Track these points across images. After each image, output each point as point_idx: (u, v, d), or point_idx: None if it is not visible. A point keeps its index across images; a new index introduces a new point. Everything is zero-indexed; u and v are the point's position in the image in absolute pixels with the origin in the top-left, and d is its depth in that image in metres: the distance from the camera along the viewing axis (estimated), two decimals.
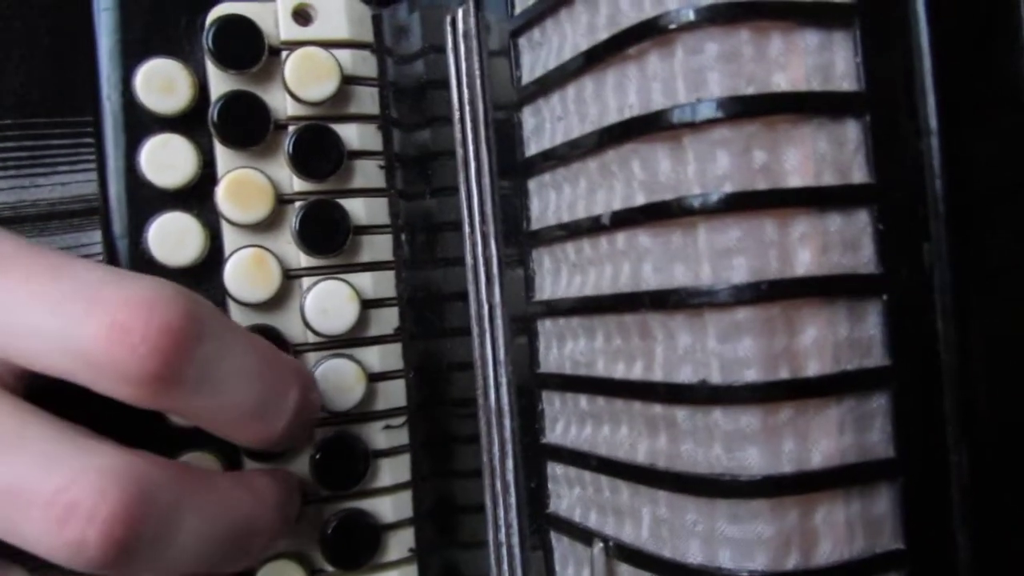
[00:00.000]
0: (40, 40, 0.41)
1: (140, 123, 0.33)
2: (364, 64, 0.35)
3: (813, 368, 0.21)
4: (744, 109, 0.21)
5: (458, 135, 0.30)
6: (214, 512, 0.26)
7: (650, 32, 0.22)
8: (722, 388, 0.21)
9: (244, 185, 0.33)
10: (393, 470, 0.35)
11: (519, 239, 0.28)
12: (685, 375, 0.22)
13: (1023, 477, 0.22)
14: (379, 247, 0.35)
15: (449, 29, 0.30)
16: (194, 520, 0.25)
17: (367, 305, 0.34)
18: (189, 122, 0.33)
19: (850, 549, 0.21)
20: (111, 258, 0.33)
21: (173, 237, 0.33)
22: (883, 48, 0.22)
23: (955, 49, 0.22)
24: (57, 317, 0.24)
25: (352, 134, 0.34)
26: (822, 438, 0.21)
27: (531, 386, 0.28)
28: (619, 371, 0.24)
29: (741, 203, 0.21)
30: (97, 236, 0.34)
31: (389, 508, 0.35)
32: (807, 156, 0.21)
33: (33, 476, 0.23)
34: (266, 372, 0.27)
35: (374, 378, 0.35)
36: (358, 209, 0.35)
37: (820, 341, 0.21)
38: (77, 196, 0.44)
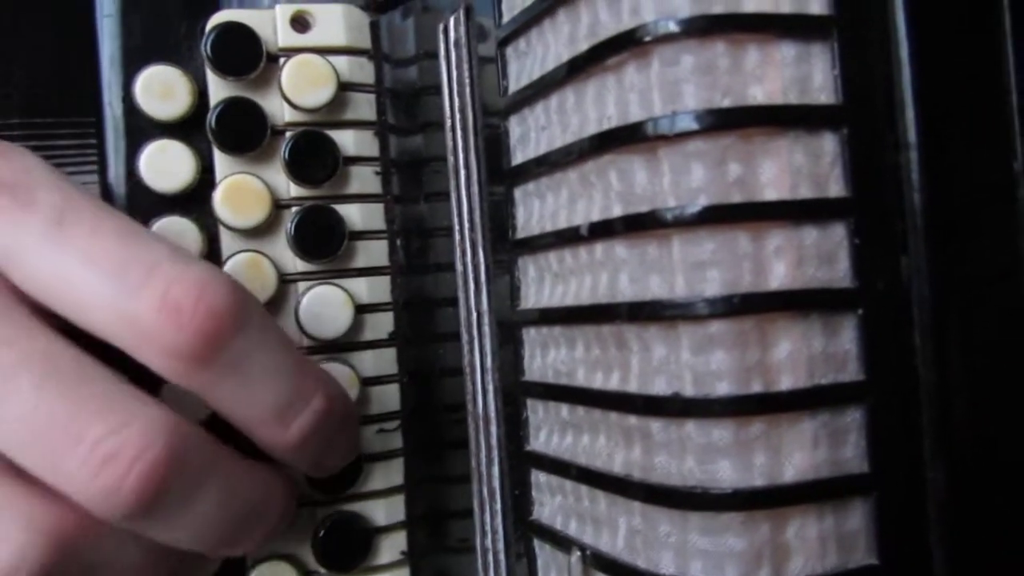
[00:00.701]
0: (46, 43, 0.41)
1: (140, 129, 0.34)
2: (361, 71, 0.35)
3: (786, 382, 0.21)
4: (719, 122, 0.21)
5: (449, 142, 0.31)
6: (234, 486, 0.27)
7: (627, 44, 0.22)
8: (695, 401, 0.21)
9: (241, 190, 0.34)
10: (386, 474, 0.35)
11: (506, 247, 0.28)
12: (659, 387, 0.22)
13: (1001, 493, 0.22)
14: (375, 252, 0.35)
15: (441, 37, 0.30)
16: (216, 489, 0.26)
17: (362, 310, 0.35)
18: (188, 128, 0.34)
19: (822, 564, 0.21)
20: None
21: (171, 240, 0.33)
22: (862, 60, 0.21)
23: (936, 61, 0.22)
24: (115, 280, 0.25)
25: (348, 140, 0.35)
26: (795, 452, 0.21)
27: (516, 393, 0.28)
28: (597, 381, 0.24)
29: (715, 216, 0.21)
30: None
31: (382, 511, 0.35)
32: (783, 169, 0.21)
33: (86, 415, 0.24)
34: (295, 373, 0.27)
35: (368, 382, 0.35)
36: (354, 214, 0.35)
37: (794, 355, 0.21)
38: None
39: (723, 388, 0.21)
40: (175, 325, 0.25)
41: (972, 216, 0.22)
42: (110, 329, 0.25)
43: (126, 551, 0.26)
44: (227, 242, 0.34)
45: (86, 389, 0.24)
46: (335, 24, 0.35)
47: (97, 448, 0.24)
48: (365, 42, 0.35)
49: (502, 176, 0.28)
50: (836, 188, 0.21)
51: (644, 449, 0.22)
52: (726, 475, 0.21)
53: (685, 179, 0.21)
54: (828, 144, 0.21)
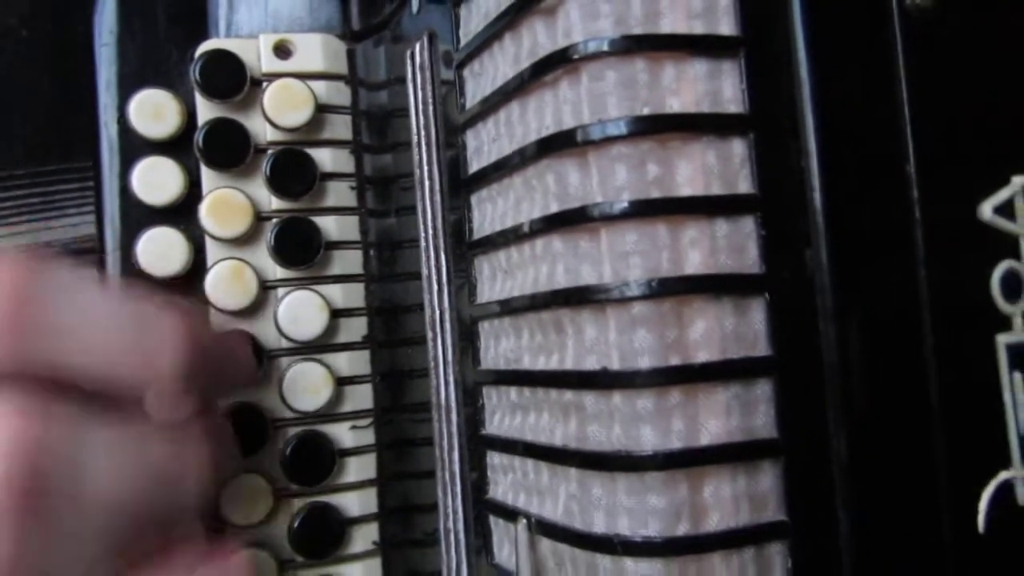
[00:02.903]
0: (43, 94, 0.44)
1: (133, 147, 0.37)
2: (339, 94, 0.38)
3: (702, 357, 0.24)
4: (639, 128, 0.24)
5: (416, 157, 0.33)
6: (126, 451, 0.25)
7: (560, 62, 0.25)
8: (620, 374, 0.24)
9: (226, 203, 0.36)
10: (359, 468, 0.38)
11: (463, 250, 0.31)
12: (590, 364, 0.24)
13: (899, 459, 0.24)
14: (349, 261, 0.38)
15: (409, 61, 0.34)
16: (103, 458, 0.25)
17: (337, 314, 0.37)
18: (177, 146, 0.37)
19: (736, 520, 0.24)
20: (103, 270, 0.37)
21: (160, 250, 0.36)
22: (766, 76, 0.24)
23: (832, 77, 0.24)
24: None
25: (326, 157, 0.38)
26: (710, 419, 0.24)
27: (473, 383, 0.31)
28: (540, 364, 0.27)
29: (638, 211, 0.24)
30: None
31: (355, 503, 0.38)
32: (697, 169, 0.24)
33: None
34: (130, 309, 0.26)
35: (343, 382, 0.37)
36: (330, 226, 0.38)
37: (708, 333, 0.24)
38: (88, 236, 0.48)
39: (645, 362, 0.23)
40: None
41: (869, 214, 0.25)
42: None
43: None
44: (212, 251, 0.37)
45: None
46: (314, 52, 0.38)
47: None
48: (342, 68, 0.39)
49: (461, 188, 0.31)
50: (745, 186, 0.24)
51: (579, 421, 0.25)
52: (648, 440, 0.23)
53: (611, 179, 0.24)
54: (738, 148, 0.24)
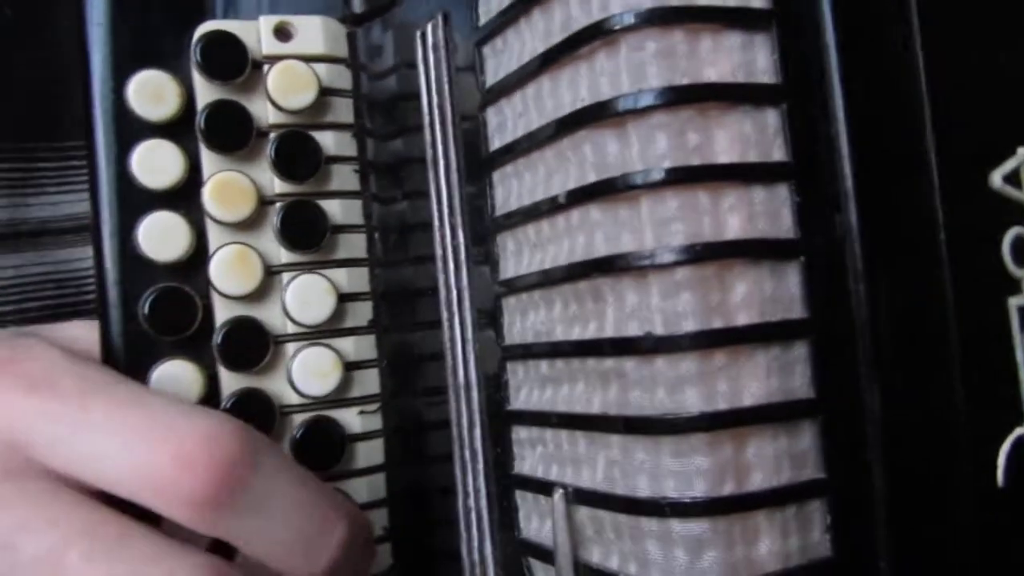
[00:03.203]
0: (28, 73, 0.44)
1: (131, 130, 0.36)
2: (340, 77, 0.38)
3: (743, 319, 0.24)
4: (679, 98, 0.24)
5: (428, 137, 0.33)
6: None
7: (598, 34, 0.25)
8: (664, 339, 0.24)
9: (229, 186, 0.36)
10: (367, 453, 0.38)
11: (484, 227, 0.31)
12: (632, 330, 0.25)
13: (929, 412, 0.25)
14: (354, 245, 0.38)
15: (419, 42, 0.34)
16: None
17: (343, 299, 0.37)
18: (177, 129, 0.36)
19: (778, 478, 0.24)
20: (99, 257, 0.36)
21: (161, 235, 0.35)
22: (796, 47, 0.25)
23: (857, 46, 0.25)
24: (134, 446, 0.28)
25: (329, 141, 0.37)
26: (752, 381, 0.24)
27: (498, 359, 0.31)
28: (575, 334, 0.27)
29: (678, 178, 0.24)
30: (88, 252, 0.36)
31: (364, 489, 0.37)
32: (734, 138, 0.25)
33: (138, 571, 0.26)
34: (313, 506, 0.29)
35: (350, 367, 0.37)
36: (334, 210, 0.37)
37: (748, 296, 0.24)
38: (68, 215, 0.47)
39: (689, 326, 0.24)
40: (191, 476, 0.27)
41: (895, 179, 0.26)
42: (136, 492, 0.28)
43: None
44: (215, 235, 0.36)
45: (129, 552, 0.27)
46: (315, 34, 0.38)
47: None
48: (343, 51, 0.38)
49: (478, 167, 0.31)
50: (779, 155, 0.25)
51: (620, 387, 0.25)
52: (693, 402, 0.24)
53: (651, 148, 0.24)
54: (771, 118, 0.25)
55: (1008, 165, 0.28)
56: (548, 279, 0.28)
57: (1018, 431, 0.27)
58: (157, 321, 0.35)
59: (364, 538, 0.32)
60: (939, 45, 0.26)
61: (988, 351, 0.27)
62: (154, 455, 0.27)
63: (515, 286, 0.30)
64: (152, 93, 0.36)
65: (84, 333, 0.34)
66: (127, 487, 0.28)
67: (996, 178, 0.27)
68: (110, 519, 0.28)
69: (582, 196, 0.26)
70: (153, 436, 0.28)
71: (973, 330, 0.26)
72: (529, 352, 0.29)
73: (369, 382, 0.38)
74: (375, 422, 0.38)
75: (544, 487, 0.28)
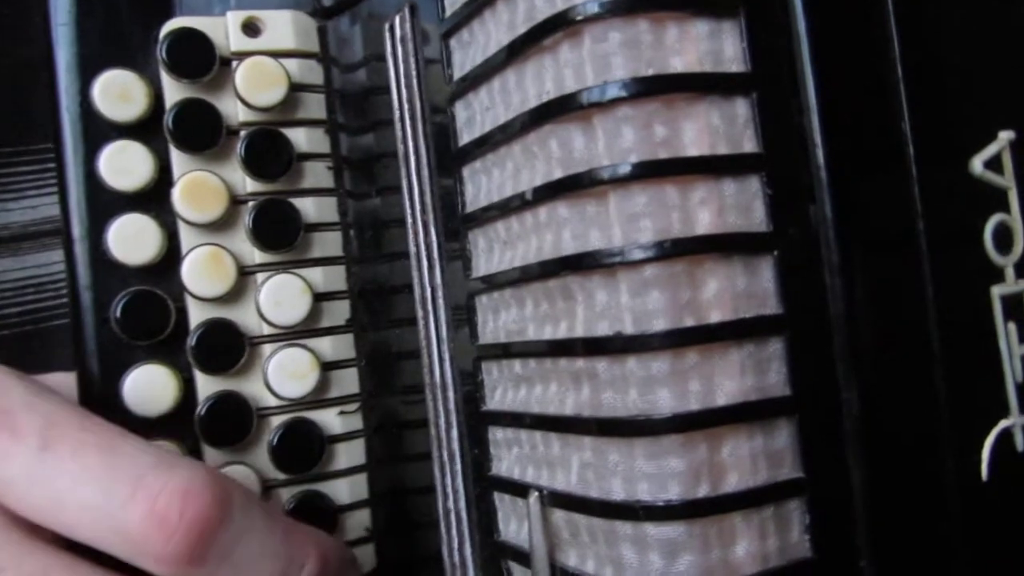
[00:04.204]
0: (7, 76, 0.43)
1: (98, 131, 0.35)
2: (311, 72, 0.37)
3: (715, 317, 0.24)
4: (644, 89, 0.23)
5: (399, 132, 0.33)
6: None
7: (561, 24, 0.24)
8: (635, 338, 0.23)
9: (199, 186, 0.35)
10: (348, 454, 0.37)
11: (456, 224, 0.30)
12: (602, 330, 0.24)
13: (905, 410, 0.25)
14: (329, 243, 0.37)
15: (388, 35, 0.33)
16: None
17: (319, 298, 0.36)
18: (145, 129, 0.35)
19: (755, 479, 0.24)
20: (70, 261, 0.35)
21: (132, 237, 0.35)
22: (766, 34, 0.24)
23: (830, 31, 0.25)
24: (103, 497, 0.27)
25: (301, 138, 0.37)
26: (725, 380, 0.24)
27: (472, 358, 0.30)
28: (547, 334, 0.26)
29: (646, 172, 0.23)
30: None
31: (345, 490, 0.37)
32: (702, 130, 0.24)
33: None
34: (284, 545, 0.29)
35: (328, 367, 0.37)
36: (308, 208, 0.37)
37: (720, 293, 0.24)
38: (47, 218, 0.46)
39: (659, 324, 0.23)
40: (164, 535, 0.27)
41: (870, 167, 0.25)
42: (104, 543, 0.27)
43: None
44: (187, 237, 0.35)
45: None
46: (284, 29, 0.37)
47: None
48: (313, 46, 0.38)
49: (449, 163, 0.31)
50: (750, 146, 0.24)
51: (592, 388, 0.25)
52: (665, 402, 0.23)
53: (617, 141, 0.24)
54: (741, 108, 0.24)
55: (989, 150, 0.27)
56: (518, 277, 0.27)
57: (1003, 424, 0.26)
58: (130, 325, 0.34)
59: (338, 565, 0.32)
60: (915, 28, 0.25)
61: (971, 342, 0.26)
62: (125, 510, 0.27)
63: (487, 284, 0.29)
64: (118, 93, 0.35)
65: (63, 380, 0.33)
66: (91, 536, 0.27)
67: (977, 164, 0.26)
68: (64, 564, 0.27)
69: (549, 192, 0.25)
70: (123, 489, 0.27)
71: (955, 321, 0.26)
72: (502, 352, 0.29)
73: (348, 382, 0.37)
74: (356, 422, 0.37)
75: (520, 489, 0.28)
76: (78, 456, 0.27)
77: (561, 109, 0.24)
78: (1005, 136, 0.27)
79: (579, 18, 0.24)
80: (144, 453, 0.28)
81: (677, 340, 0.23)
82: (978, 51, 0.27)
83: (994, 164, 0.27)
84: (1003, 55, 0.28)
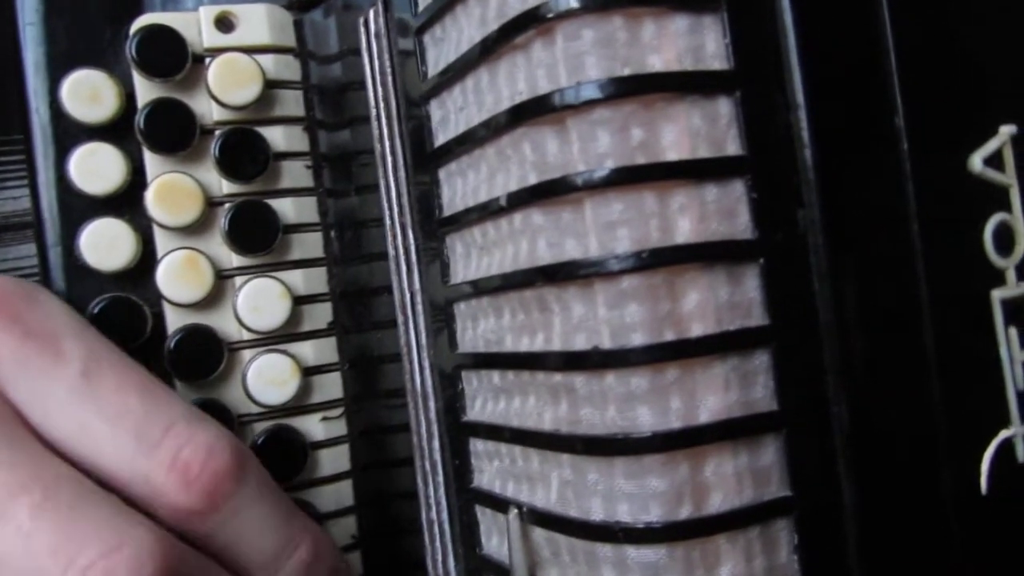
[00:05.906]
0: None
1: (68, 133, 0.34)
2: (288, 68, 0.36)
3: (697, 330, 0.22)
4: (620, 90, 0.22)
5: (375, 131, 0.32)
6: None
7: (532, 21, 0.23)
8: (612, 353, 0.22)
9: (173, 189, 0.34)
10: (332, 460, 0.36)
11: (433, 228, 0.29)
12: (580, 343, 0.23)
13: (900, 423, 0.24)
14: (309, 245, 0.36)
15: (362, 30, 0.31)
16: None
17: (300, 301, 0.36)
18: (117, 130, 0.34)
19: (740, 498, 0.23)
20: (44, 266, 0.34)
21: (105, 243, 0.34)
22: (750, 28, 0.23)
23: (817, 26, 0.23)
24: (133, 437, 0.28)
25: (278, 136, 0.36)
26: (708, 395, 0.22)
27: (451, 367, 0.29)
28: (524, 345, 0.25)
29: (622, 178, 0.22)
30: None
31: (330, 497, 0.36)
32: (682, 132, 0.23)
33: (79, 538, 0.26)
34: (284, 527, 0.30)
35: (310, 372, 0.36)
36: (287, 208, 0.36)
37: (702, 304, 0.22)
38: (27, 209, 0.45)
39: (638, 339, 0.22)
40: (183, 484, 0.27)
41: (860, 168, 0.24)
42: (122, 481, 0.28)
43: None
44: (162, 241, 0.34)
45: (81, 513, 0.26)
46: (259, 23, 0.36)
47: (87, 572, 0.25)
48: (290, 40, 0.36)
49: (427, 162, 0.29)
50: (733, 147, 0.23)
51: (570, 404, 0.24)
52: (645, 420, 0.22)
53: (592, 145, 0.22)
54: (723, 107, 0.23)
55: (989, 146, 0.25)
56: (494, 286, 0.26)
57: (1003, 434, 0.25)
58: (105, 332, 0.33)
59: (330, 564, 0.32)
60: (909, 19, 0.24)
61: (969, 349, 0.25)
62: (150, 454, 0.27)
63: (463, 292, 0.28)
64: (88, 94, 0.34)
65: None
66: (109, 471, 0.27)
67: (976, 161, 0.25)
68: (71, 478, 0.27)
69: (523, 199, 0.24)
70: (154, 433, 0.28)
71: (952, 328, 0.24)
72: (481, 361, 0.28)
73: (331, 387, 0.36)
74: (339, 428, 0.36)
75: (501, 504, 0.27)
76: (118, 392, 0.28)
77: (534, 111, 0.23)
78: (1006, 131, 0.26)
79: (550, 15, 0.22)
80: (178, 404, 0.29)
81: (657, 355, 0.22)
82: (977, 40, 0.26)
83: (994, 161, 0.26)
84: (1004, 44, 0.26)
